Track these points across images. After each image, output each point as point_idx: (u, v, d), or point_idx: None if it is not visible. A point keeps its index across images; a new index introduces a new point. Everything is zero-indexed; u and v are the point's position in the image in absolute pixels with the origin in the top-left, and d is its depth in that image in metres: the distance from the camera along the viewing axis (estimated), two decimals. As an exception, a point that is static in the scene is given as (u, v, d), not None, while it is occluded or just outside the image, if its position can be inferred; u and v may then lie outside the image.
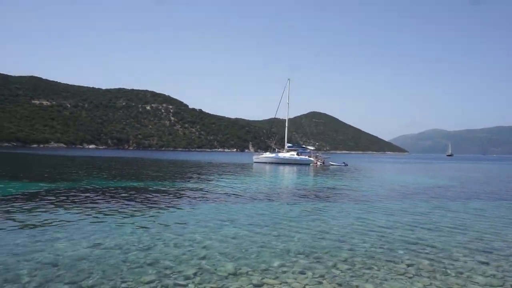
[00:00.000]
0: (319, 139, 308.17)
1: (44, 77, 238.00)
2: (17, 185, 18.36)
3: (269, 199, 16.10)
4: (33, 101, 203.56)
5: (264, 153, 61.71)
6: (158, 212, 11.91)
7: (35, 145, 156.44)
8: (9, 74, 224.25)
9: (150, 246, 7.84)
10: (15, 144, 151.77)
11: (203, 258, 7.13)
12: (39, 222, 9.89)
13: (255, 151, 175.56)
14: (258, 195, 17.52)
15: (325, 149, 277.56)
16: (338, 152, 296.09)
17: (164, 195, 16.26)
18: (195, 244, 8.14)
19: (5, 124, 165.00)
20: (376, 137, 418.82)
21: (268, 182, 25.59)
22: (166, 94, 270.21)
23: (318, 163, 54.01)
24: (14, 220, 10.07)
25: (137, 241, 8.17)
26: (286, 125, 60.88)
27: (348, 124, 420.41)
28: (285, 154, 56.75)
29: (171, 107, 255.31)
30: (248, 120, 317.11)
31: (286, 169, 43.12)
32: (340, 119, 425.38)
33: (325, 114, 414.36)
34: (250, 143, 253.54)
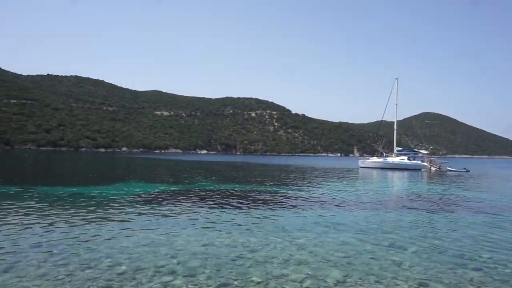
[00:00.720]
0: (432, 142, 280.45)
1: (164, 91, 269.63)
2: (142, 186, 21.03)
3: (376, 207, 15.24)
4: (155, 112, 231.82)
5: (371, 158, 58.83)
6: (264, 216, 12.30)
7: (157, 151, 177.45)
8: (137, 89, 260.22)
9: (257, 248, 8.13)
10: (142, 150, 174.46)
11: (310, 263, 7.10)
12: (159, 219, 11.14)
13: (361, 155, 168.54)
14: (364, 201, 16.75)
15: (440, 153, 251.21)
16: (457, 156, 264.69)
17: (269, 199, 16.73)
18: (301, 249, 8.16)
19: (135, 133, 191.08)
20: (506, 139, 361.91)
21: (375, 188, 24.27)
22: (270, 100, 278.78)
23: (433, 168, 49.13)
24: (140, 216, 11.56)
25: (245, 243, 8.56)
26: (395, 127, 57.01)
27: (468, 125, 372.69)
28: (394, 159, 53.13)
29: (274, 113, 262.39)
30: (352, 124, 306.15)
31: (396, 174, 40.30)
32: (458, 120, 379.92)
33: (439, 115, 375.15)
34: (355, 147, 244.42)
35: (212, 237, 8.94)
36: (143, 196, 16.62)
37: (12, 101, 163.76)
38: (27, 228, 9.35)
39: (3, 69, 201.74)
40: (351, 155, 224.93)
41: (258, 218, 11.78)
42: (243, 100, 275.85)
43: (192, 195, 17.36)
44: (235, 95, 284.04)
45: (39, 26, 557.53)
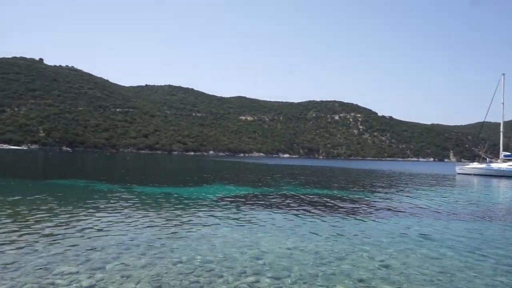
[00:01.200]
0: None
1: (248, 96, 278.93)
2: (227, 189, 21.94)
3: (479, 219, 13.63)
4: (240, 117, 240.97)
5: (471, 163, 52.96)
6: (349, 223, 11.88)
7: (241, 154, 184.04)
8: (223, 96, 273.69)
9: (343, 255, 7.87)
10: (227, 153, 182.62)
11: (401, 276, 6.64)
12: (244, 221, 11.48)
13: (458, 160, 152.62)
14: (462, 212, 15.11)
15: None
16: None
17: (353, 206, 16.12)
18: (391, 259, 7.68)
19: (221, 137, 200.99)
20: None
21: (476, 197, 21.75)
22: (354, 103, 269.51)
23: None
24: (226, 217, 12.06)
25: (330, 249, 8.36)
26: (501, 129, 50.57)
27: None
28: (500, 165, 47.08)
29: (359, 115, 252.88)
30: (448, 125, 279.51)
31: (502, 183, 35.62)
32: None
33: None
34: (451, 151, 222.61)
35: (296, 242, 8.92)
36: (228, 197, 17.32)
37: (118, 109, 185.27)
38: (129, 222, 10.43)
39: (110, 82, 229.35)
40: (446, 160, 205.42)
41: (343, 225, 11.41)
42: (326, 103, 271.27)
43: (274, 198, 17.57)
44: (318, 99, 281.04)
45: (138, 42, 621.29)
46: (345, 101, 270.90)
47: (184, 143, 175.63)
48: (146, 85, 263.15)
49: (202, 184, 24.63)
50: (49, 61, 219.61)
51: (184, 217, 11.69)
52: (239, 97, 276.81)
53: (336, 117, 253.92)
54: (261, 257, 7.53)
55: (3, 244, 7.65)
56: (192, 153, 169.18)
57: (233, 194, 18.92)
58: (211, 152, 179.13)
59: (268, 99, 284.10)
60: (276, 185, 24.72)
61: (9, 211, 11.47)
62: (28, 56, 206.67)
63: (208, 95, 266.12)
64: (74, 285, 5.67)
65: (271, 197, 18.03)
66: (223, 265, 6.90)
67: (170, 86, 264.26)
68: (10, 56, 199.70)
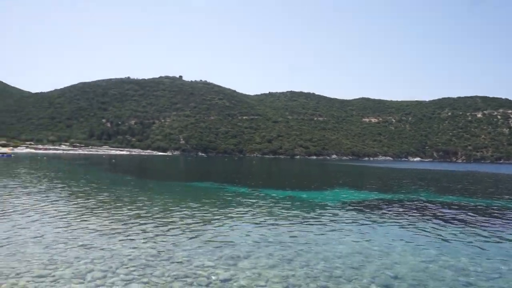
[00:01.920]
0: None
1: (372, 97, 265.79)
2: (351, 193, 21.17)
3: None
4: (363, 119, 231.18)
5: None
6: (495, 237, 10.16)
7: (366, 158, 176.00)
8: (345, 98, 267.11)
9: (491, 275, 6.78)
10: (350, 157, 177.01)
11: None
12: (370, 228, 10.88)
13: None
14: None
15: None
16: None
17: (499, 218, 13.72)
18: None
19: (344, 140, 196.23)
20: None
21: None
22: (503, 97, 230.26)
23: None
24: (350, 222, 11.61)
25: (472, 266, 7.29)
26: None
27: None
28: None
29: (510, 111, 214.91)
30: None
31: None
32: None
33: None
34: None
35: (432, 254, 8.07)
36: (352, 202, 16.75)
37: (244, 117, 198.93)
38: (257, 223, 11.02)
39: (237, 92, 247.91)
40: None
41: (487, 239, 9.84)
42: (464, 99, 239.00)
43: (403, 205, 16.25)
44: (453, 95, 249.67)
45: (261, 53, 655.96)
46: (490, 95, 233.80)
47: (306, 147, 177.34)
48: (269, 92, 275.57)
49: (326, 188, 24.42)
50: (187, 77, 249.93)
51: (309, 221, 11.77)
52: (362, 98, 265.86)
53: (479, 115, 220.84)
54: (391, 267, 7.06)
55: (156, 236, 8.99)
56: (314, 157, 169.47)
57: (357, 199, 18.22)
58: (333, 156, 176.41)
59: (394, 99, 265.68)
60: (404, 191, 22.84)
61: (160, 208, 13.42)
62: (171, 75, 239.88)
63: (330, 99, 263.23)
64: (213, 277, 6.29)
65: (398, 203, 16.74)
66: (350, 273, 6.70)
67: (291, 92, 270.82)
68: (157, 76, 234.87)
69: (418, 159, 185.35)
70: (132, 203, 14.18)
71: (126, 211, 12.26)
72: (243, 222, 11.13)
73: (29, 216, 10.77)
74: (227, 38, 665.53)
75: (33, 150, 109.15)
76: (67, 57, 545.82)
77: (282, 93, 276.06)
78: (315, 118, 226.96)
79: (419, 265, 7.27)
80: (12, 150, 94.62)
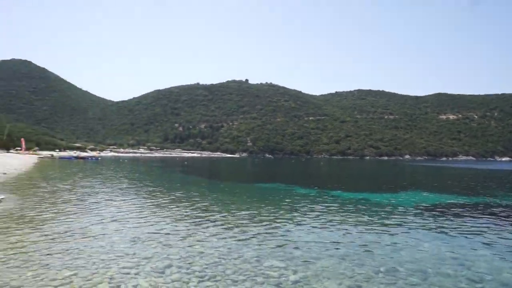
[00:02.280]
0: None
1: (448, 92, 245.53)
2: (426, 196, 19.69)
3: None
4: (440, 116, 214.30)
5: None
6: None
7: (443, 158, 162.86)
8: (419, 95, 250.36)
9: None
10: (426, 157, 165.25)
11: None
12: (456, 235, 10.01)
13: None
14: None
15: None
16: None
17: None
18: None
19: (417, 139, 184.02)
20: None
21: None
22: None
23: None
24: (431, 229, 10.79)
25: None
26: None
27: None
28: None
29: None
30: None
31: None
32: None
33: None
34: None
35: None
36: (427, 206, 15.61)
37: (310, 118, 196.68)
38: (327, 226, 10.80)
39: (302, 93, 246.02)
40: None
41: None
42: None
43: (489, 210, 14.72)
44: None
45: (327, 53, 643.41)
46: None
47: (377, 148, 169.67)
48: (336, 92, 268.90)
49: (399, 190, 23.10)
50: (253, 80, 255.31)
51: (383, 224, 11.23)
52: (438, 94, 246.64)
53: None
54: (480, 280, 6.41)
55: (227, 235, 9.25)
56: (386, 157, 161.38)
57: (432, 202, 16.94)
58: (406, 156, 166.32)
59: (476, 93, 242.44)
60: (489, 195, 20.66)
61: (229, 207, 13.82)
62: (237, 78, 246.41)
63: (401, 96, 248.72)
64: (283, 278, 6.28)
65: (482, 209, 15.20)
66: (432, 282, 6.23)
67: (359, 91, 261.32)
68: (225, 81, 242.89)
69: (507, 158, 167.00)
70: (203, 203, 14.79)
71: (197, 211, 12.83)
72: (312, 224, 10.98)
73: (112, 212, 11.79)
74: (291, 39, 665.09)
75: (115, 154, 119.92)
76: (143, 66, 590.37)
77: (350, 92, 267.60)
78: (386, 117, 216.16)
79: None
80: (99, 153, 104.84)
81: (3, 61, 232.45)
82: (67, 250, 7.43)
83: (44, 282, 5.70)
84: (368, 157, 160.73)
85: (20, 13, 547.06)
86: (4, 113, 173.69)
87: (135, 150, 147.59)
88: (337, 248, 8.27)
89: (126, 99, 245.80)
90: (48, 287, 5.59)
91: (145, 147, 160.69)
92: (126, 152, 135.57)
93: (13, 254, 7.03)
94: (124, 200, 15.02)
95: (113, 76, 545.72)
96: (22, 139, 78.75)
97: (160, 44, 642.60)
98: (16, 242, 7.85)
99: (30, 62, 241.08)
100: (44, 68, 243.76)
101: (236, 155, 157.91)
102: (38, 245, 7.70)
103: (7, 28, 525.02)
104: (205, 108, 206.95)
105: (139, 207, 13.34)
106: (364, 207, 14.97)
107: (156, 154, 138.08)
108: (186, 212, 12.56)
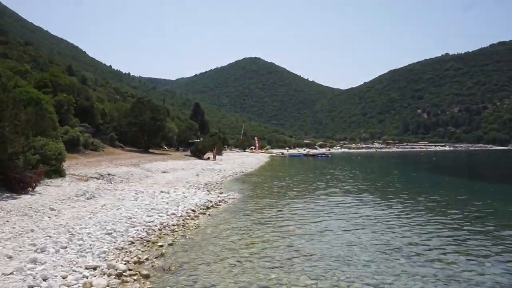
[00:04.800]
0: None
1: None
2: None
3: None
4: None
5: None
6: None
7: None
8: None
9: None
10: None
11: None
12: None
13: None
14: None
15: None
16: None
17: None
18: None
19: None
20: None
21: None
22: None
23: None
24: None
25: None
26: None
27: None
28: None
29: None
30: None
31: None
32: None
33: None
34: None
35: None
36: None
37: None
38: None
39: None
40: None
41: None
42: None
43: None
44: None
45: None
46: None
47: None
48: None
49: None
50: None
51: None
52: None
53: None
54: None
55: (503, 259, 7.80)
56: None
57: None
58: None
59: None
60: None
61: (498, 222, 11.84)
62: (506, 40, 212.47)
63: None
64: None
65: None
66: None
67: None
68: (487, 45, 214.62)
69: None
70: (465, 210, 13.34)
71: (455, 223, 11.56)
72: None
73: (344, 219, 11.83)
74: None
75: (346, 150, 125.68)
76: (376, 43, 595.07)
77: None
78: None
79: None
80: (329, 150, 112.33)
81: (236, 61, 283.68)
82: (307, 255, 7.93)
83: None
84: None
85: (244, 13, 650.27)
86: (239, 112, 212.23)
87: (368, 145, 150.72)
88: None
89: (356, 85, 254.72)
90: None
91: (380, 141, 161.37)
92: (358, 148, 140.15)
93: (256, 252, 8.07)
94: (356, 203, 15.07)
95: (338, 64, 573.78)
96: (256, 137, 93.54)
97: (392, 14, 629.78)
98: (257, 241, 8.98)
99: (259, 59, 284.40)
100: (271, 63, 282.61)
101: (510, 147, 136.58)
102: (279, 247, 8.56)
103: (239, 30, 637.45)
104: (459, 85, 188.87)
105: (373, 212, 13.09)
106: None
107: (394, 149, 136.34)
108: (438, 222, 11.47)
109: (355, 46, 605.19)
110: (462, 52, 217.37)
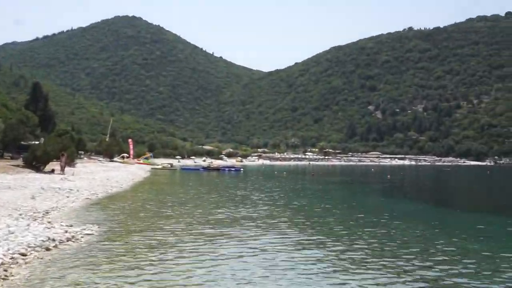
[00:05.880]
0: None
1: None
2: None
3: None
4: None
5: None
6: None
7: None
8: None
9: None
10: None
11: None
12: None
13: None
14: None
15: None
16: None
17: None
18: None
19: None
20: None
21: None
22: None
23: None
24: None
25: None
26: None
27: None
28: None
29: None
30: None
31: None
32: None
33: None
34: None
35: None
36: None
37: None
38: None
39: None
40: None
41: None
42: None
43: None
44: None
45: None
46: None
47: None
48: None
49: None
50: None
51: None
52: None
53: None
54: None
55: None
56: None
57: None
58: None
59: None
60: None
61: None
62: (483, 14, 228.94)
63: None
64: None
65: None
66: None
67: None
68: (464, 19, 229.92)
69: None
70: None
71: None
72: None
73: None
74: None
75: (267, 162, 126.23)
76: (316, 14, 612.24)
77: None
78: None
79: None
80: (241, 161, 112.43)
81: (104, 21, 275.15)
82: None
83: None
84: None
85: None
86: (106, 100, 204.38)
87: (298, 156, 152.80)
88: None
89: (283, 67, 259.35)
90: None
91: (316, 150, 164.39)
92: (284, 159, 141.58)
93: None
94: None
95: (258, 35, 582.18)
96: (130, 140, 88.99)
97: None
98: None
99: (139, 19, 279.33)
100: (159, 27, 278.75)
101: (486, 162, 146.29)
102: None
103: None
104: (425, 73, 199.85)
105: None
106: None
107: (335, 162, 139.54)
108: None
109: (283, 9, 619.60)
110: (431, 28, 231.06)
